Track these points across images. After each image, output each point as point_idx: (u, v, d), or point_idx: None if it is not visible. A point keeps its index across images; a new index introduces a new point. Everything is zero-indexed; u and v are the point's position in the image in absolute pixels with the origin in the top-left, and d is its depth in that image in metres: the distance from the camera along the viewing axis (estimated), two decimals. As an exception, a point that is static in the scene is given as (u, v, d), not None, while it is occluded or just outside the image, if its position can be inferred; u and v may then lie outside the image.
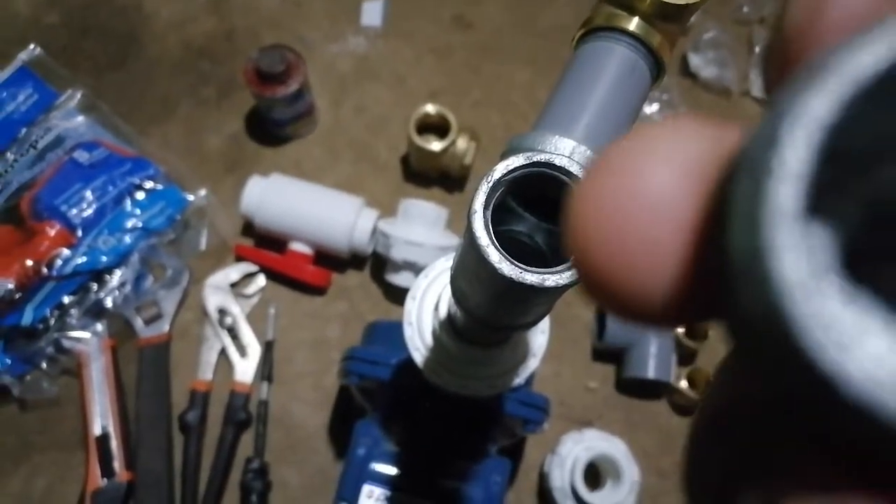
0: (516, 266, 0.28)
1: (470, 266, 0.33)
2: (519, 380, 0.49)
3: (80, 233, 0.76)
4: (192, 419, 0.76)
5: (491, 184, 0.29)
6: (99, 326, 0.77)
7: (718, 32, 0.93)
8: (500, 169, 0.29)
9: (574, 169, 0.29)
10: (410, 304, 0.50)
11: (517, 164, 0.29)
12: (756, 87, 0.94)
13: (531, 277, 0.27)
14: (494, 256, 0.28)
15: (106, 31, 0.93)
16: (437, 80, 0.93)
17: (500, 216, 0.30)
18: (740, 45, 0.95)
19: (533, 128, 0.35)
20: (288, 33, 0.94)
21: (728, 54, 0.93)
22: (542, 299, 0.33)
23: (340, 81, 0.93)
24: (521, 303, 0.33)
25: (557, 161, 0.29)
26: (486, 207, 0.29)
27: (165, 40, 0.93)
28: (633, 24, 0.36)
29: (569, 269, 0.28)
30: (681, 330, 0.79)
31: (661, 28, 0.36)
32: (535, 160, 0.29)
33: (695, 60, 0.94)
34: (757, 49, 0.93)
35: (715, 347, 0.83)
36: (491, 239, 0.28)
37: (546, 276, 0.27)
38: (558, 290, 0.28)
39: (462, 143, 0.82)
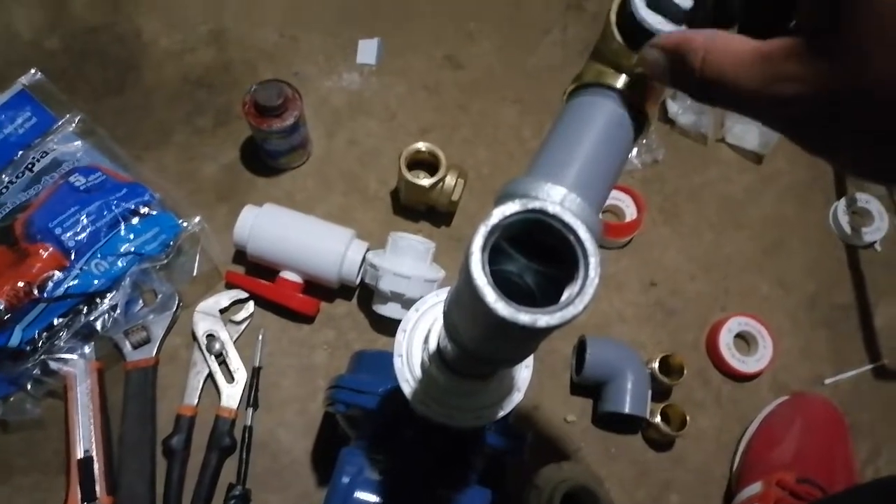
0: (511, 306, 0.30)
1: (465, 303, 0.35)
2: (503, 412, 0.51)
3: (73, 256, 0.77)
4: (177, 444, 0.77)
5: (489, 228, 0.31)
6: (87, 349, 0.78)
7: (697, 81, 0.97)
8: (497, 214, 0.32)
9: (566, 217, 0.32)
10: (401, 336, 0.52)
11: (513, 210, 0.32)
12: (731, 135, 0.98)
13: (524, 317, 0.30)
14: (490, 297, 0.30)
15: (106, 58, 0.95)
16: (427, 117, 0.97)
17: (492, 256, 0.32)
18: (717, 94, 1.00)
19: (526, 174, 0.38)
20: (284, 67, 0.97)
21: (705, 103, 0.97)
22: (532, 338, 0.35)
23: (334, 115, 0.95)
24: (513, 340, 0.35)
25: (551, 209, 0.32)
26: (483, 249, 0.31)
27: (164, 69, 0.96)
28: (621, 81, 0.39)
29: (559, 309, 0.30)
30: (656, 366, 0.82)
31: (647, 85, 0.39)
32: (529, 207, 0.32)
33: (673, 107, 0.98)
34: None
35: (689, 384, 0.85)
36: (488, 279, 0.30)
37: (538, 316, 0.30)
38: (549, 330, 0.30)
39: (451, 180, 0.85)
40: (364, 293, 0.85)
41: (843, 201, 0.96)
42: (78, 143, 0.85)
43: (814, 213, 0.97)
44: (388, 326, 0.84)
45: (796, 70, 0.28)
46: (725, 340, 0.86)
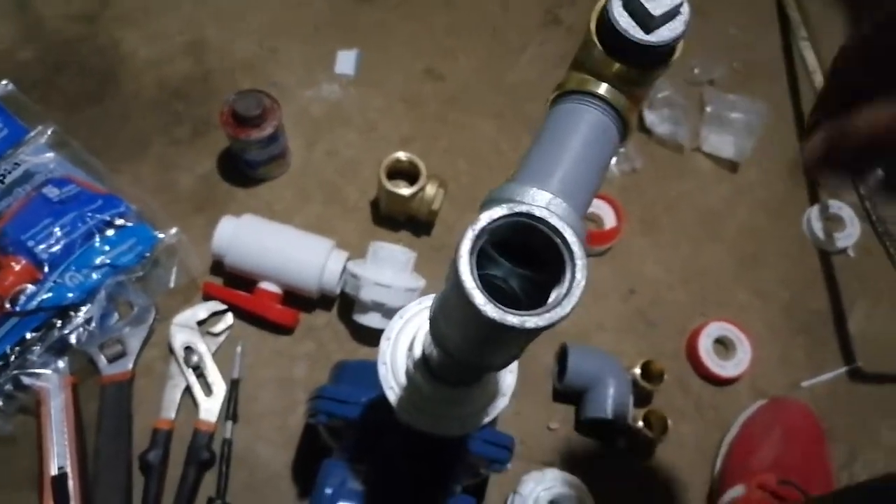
0: (500, 308, 0.30)
1: (452, 307, 0.35)
2: (488, 418, 0.51)
3: (46, 268, 0.75)
4: (154, 459, 0.75)
5: (476, 231, 0.31)
6: (60, 363, 0.76)
7: (672, 92, 0.99)
8: (485, 218, 0.32)
9: (552, 220, 0.32)
10: (385, 344, 0.52)
11: (501, 214, 0.32)
12: (707, 144, 1.00)
13: (513, 319, 0.30)
14: (479, 299, 0.30)
15: (82, 69, 0.94)
16: (407, 128, 0.97)
17: (478, 261, 0.32)
18: (692, 105, 1.02)
19: (512, 179, 0.38)
20: (263, 78, 0.96)
21: (681, 113, 0.99)
22: (520, 340, 0.35)
23: (313, 125, 0.95)
24: (501, 343, 0.35)
25: (537, 212, 0.32)
26: (471, 253, 0.31)
27: (141, 80, 0.95)
28: (603, 88, 0.39)
29: (547, 311, 0.30)
30: (637, 371, 0.82)
31: (628, 92, 0.39)
32: (516, 211, 0.32)
33: (650, 117, 0.99)
34: (708, 108, 0.99)
35: (669, 392, 0.86)
36: (476, 283, 0.30)
37: (527, 318, 0.30)
38: (537, 332, 0.31)
39: (431, 189, 0.85)
40: (344, 303, 0.85)
41: (815, 208, 0.98)
42: (51, 154, 0.84)
43: (788, 223, 0.99)
44: (369, 336, 0.83)
45: None
46: (705, 345, 0.87)
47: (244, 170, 0.89)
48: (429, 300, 0.53)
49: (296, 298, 0.83)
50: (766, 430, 0.81)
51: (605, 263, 0.93)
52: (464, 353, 0.38)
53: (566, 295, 0.31)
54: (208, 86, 0.95)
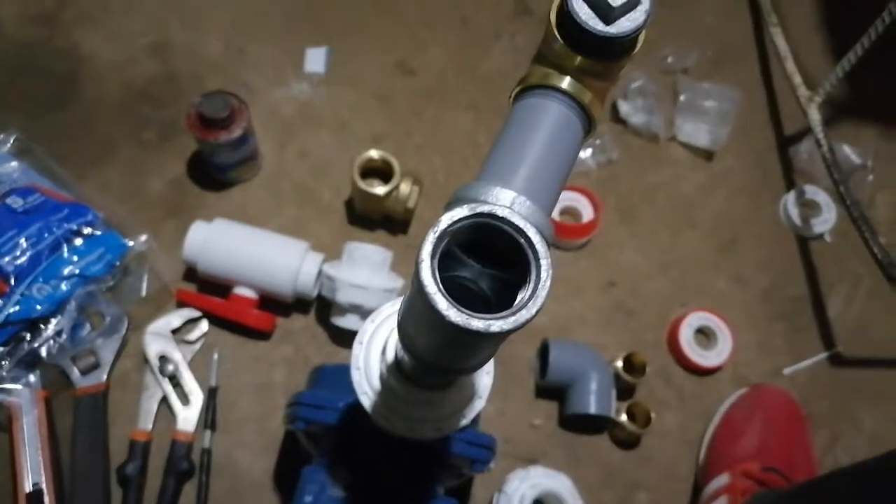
0: (463, 313, 0.29)
1: (417, 312, 0.34)
2: (465, 421, 0.50)
3: (12, 281, 0.74)
4: (132, 471, 0.74)
5: (437, 234, 0.30)
6: (32, 378, 0.74)
7: (645, 81, 0.98)
8: (446, 220, 0.31)
9: (515, 219, 0.31)
10: (357, 348, 0.51)
11: (462, 215, 0.31)
12: (682, 133, 0.99)
13: (477, 323, 0.29)
14: (442, 304, 0.29)
15: (44, 73, 0.92)
16: (380, 125, 0.95)
17: (446, 263, 0.31)
18: (666, 93, 1.01)
19: (475, 178, 0.37)
20: (231, 78, 0.94)
21: (655, 102, 0.98)
22: (487, 344, 0.34)
23: (284, 126, 0.93)
24: (468, 347, 0.34)
25: (499, 212, 0.31)
26: (433, 256, 0.30)
27: (105, 82, 0.93)
28: (566, 82, 0.38)
29: (512, 314, 0.29)
30: (619, 364, 0.82)
31: (591, 85, 0.39)
32: (478, 211, 0.31)
33: (624, 107, 0.99)
34: (682, 97, 0.99)
35: (652, 383, 0.86)
36: (438, 287, 0.29)
37: (491, 321, 0.29)
38: (503, 335, 0.30)
39: (405, 187, 0.84)
40: (321, 306, 0.84)
41: (792, 193, 0.98)
42: (14, 163, 0.82)
43: (765, 209, 0.99)
44: (348, 339, 0.82)
45: None
46: (686, 336, 0.87)
47: (215, 173, 0.87)
48: (401, 302, 0.52)
49: (272, 302, 0.81)
50: (749, 417, 0.81)
51: (583, 256, 0.92)
52: (432, 357, 0.37)
53: (532, 296, 0.30)
54: (175, 87, 0.93)
